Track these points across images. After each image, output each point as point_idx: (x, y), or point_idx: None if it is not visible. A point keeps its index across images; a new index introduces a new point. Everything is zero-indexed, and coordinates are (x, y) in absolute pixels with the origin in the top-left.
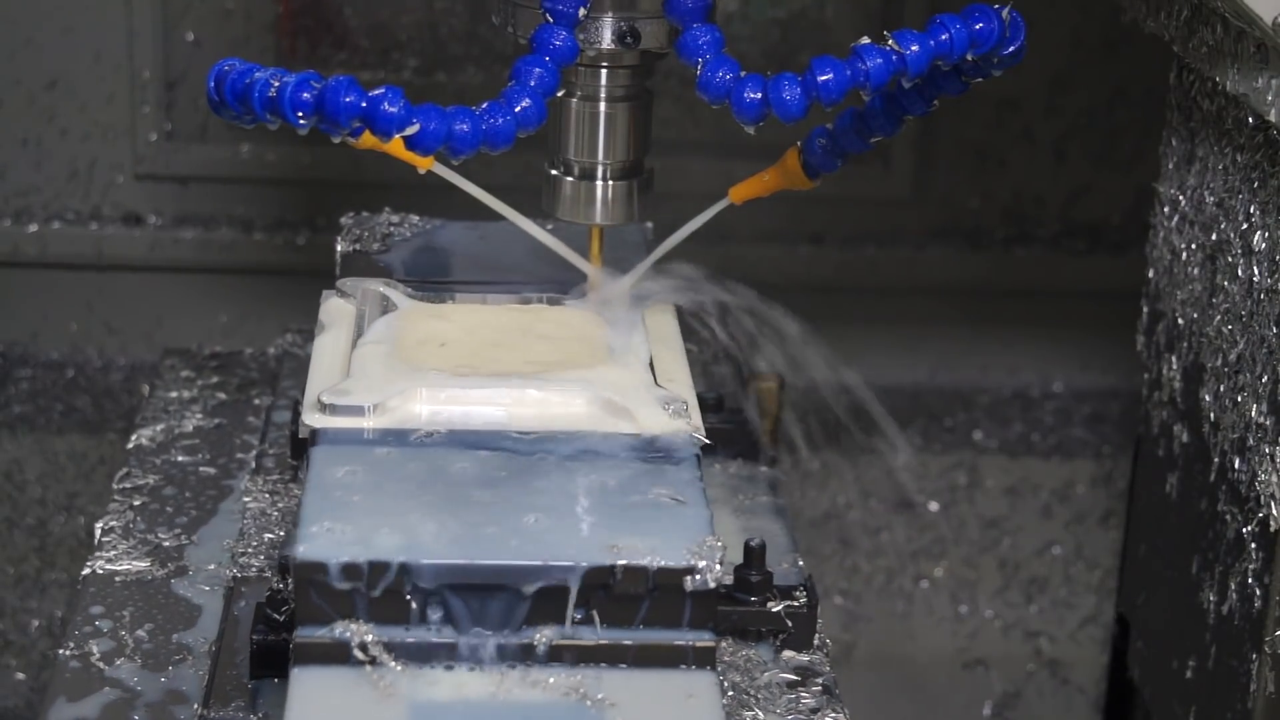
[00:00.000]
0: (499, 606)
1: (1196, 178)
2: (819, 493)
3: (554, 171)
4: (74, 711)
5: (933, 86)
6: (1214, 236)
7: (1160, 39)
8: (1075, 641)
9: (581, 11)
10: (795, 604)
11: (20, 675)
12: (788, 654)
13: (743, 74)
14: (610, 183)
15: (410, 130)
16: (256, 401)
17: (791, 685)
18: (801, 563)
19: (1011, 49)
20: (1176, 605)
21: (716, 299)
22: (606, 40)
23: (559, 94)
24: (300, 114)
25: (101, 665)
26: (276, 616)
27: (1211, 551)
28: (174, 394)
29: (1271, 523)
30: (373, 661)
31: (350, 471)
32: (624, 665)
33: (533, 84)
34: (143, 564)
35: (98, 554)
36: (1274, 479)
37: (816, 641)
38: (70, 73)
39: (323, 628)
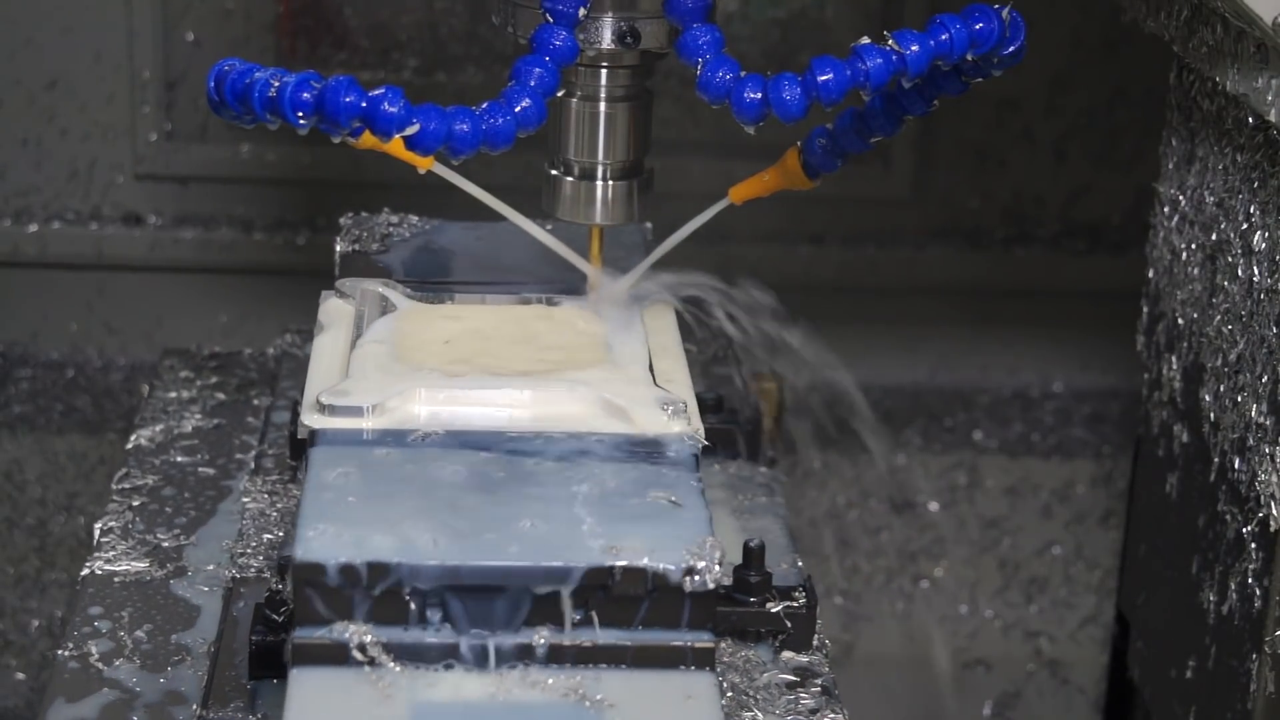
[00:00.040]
0: (498, 607)
1: (1196, 178)
2: (819, 493)
3: (554, 171)
4: (73, 712)
5: (933, 86)
6: (1214, 236)
7: (1160, 39)
8: (1075, 641)
9: (581, 11)
10: (794, 605)
11: (20, 675)
12: (787, 655)
13: (743, 74)
14: (610, 183)
15: (410, 130)
16: (255, 402)
17: (791, 686)
18: (801, 563)
19: (1011, 49)
20: (1176, 605)
21: (715, 299)
22: (606, 40)
23: (559, 94)
24: (300, 114)
25: (100, 666)
26: (275, 617)
27: (1211, 551)
28: (173, 394)
29: (1271, 523)
30: (371, 662)
31: (349, 472)
32: (623, 666)
33: (533, 84)
34: (141, 564)
35: (96, 554)
36: (1274, 479)
37: (816, 642)
38: (70, 73)
39: (321, 628)
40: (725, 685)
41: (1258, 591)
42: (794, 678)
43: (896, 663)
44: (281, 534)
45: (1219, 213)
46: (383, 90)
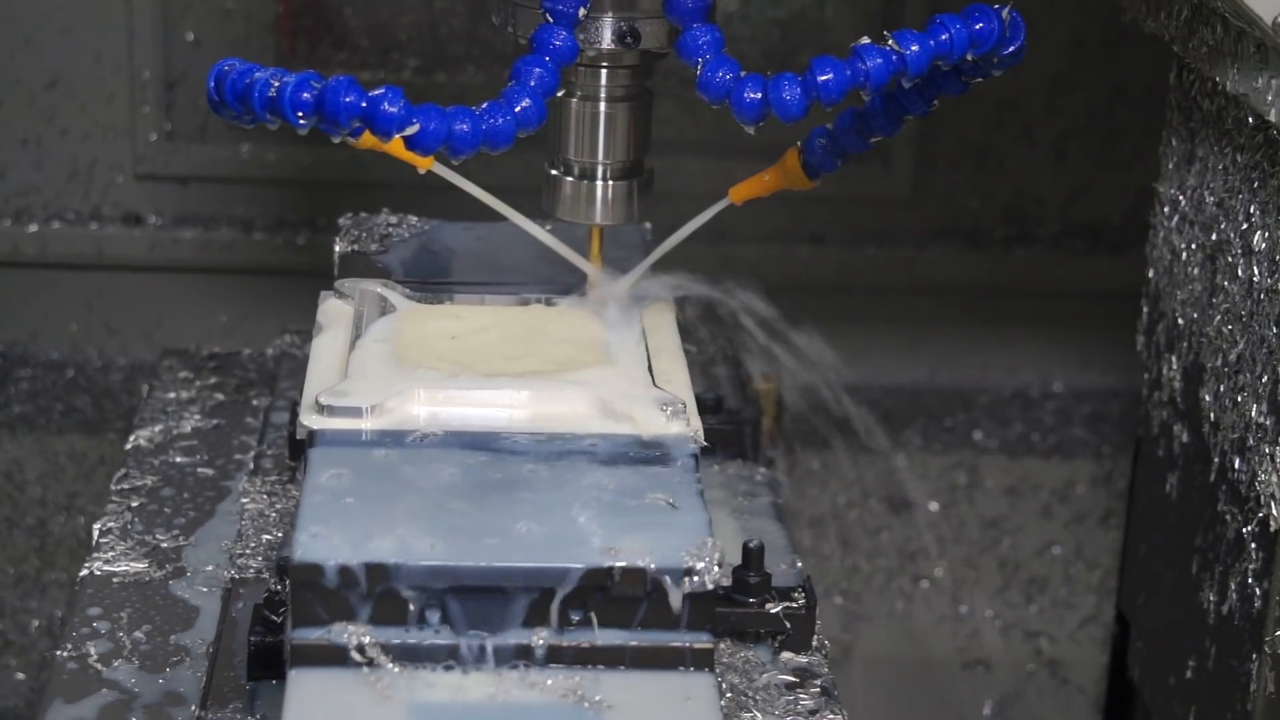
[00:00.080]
0: (496, 608)
1: (1196, 178)
2: (819, 493)
3: (554, 171)
4: (72, 713)
5: (933, 86)
6: (1214, 236)
7: (1160, 39)
8: (1075, 641)
9: (581, 11)
10: (794, 605)
11: (20, 675)
12: (786, 655)
13: (743, 74)
14: (610, 183)
15: (410, 130)
16: (255, 402)
17: (790, 687)
18: (800, 564)
19: (1011, 49)
20: (1176, 605)
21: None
22: (606, 40)
23: (559, 94)
24: (300, 114)
25: (99, 666)
26: (274, 618)
27: (1211, 551)
28: (172, 395)
29: (1271, 523)
30: (370, 663)
31: (347, 473)
32: (622, 667)
33: (533, 84)
34: (140, 565)
35: (95, 555)
36: (1274, 479)
37: (815, 643)
38: (70, 73)
39: (320, 629)
40: (724, 686)
41: (1258, 591)
42: (793, 678)
43: (896, 663)
44: (280, 535)
45: (1219, 213)
46: (383, 90)
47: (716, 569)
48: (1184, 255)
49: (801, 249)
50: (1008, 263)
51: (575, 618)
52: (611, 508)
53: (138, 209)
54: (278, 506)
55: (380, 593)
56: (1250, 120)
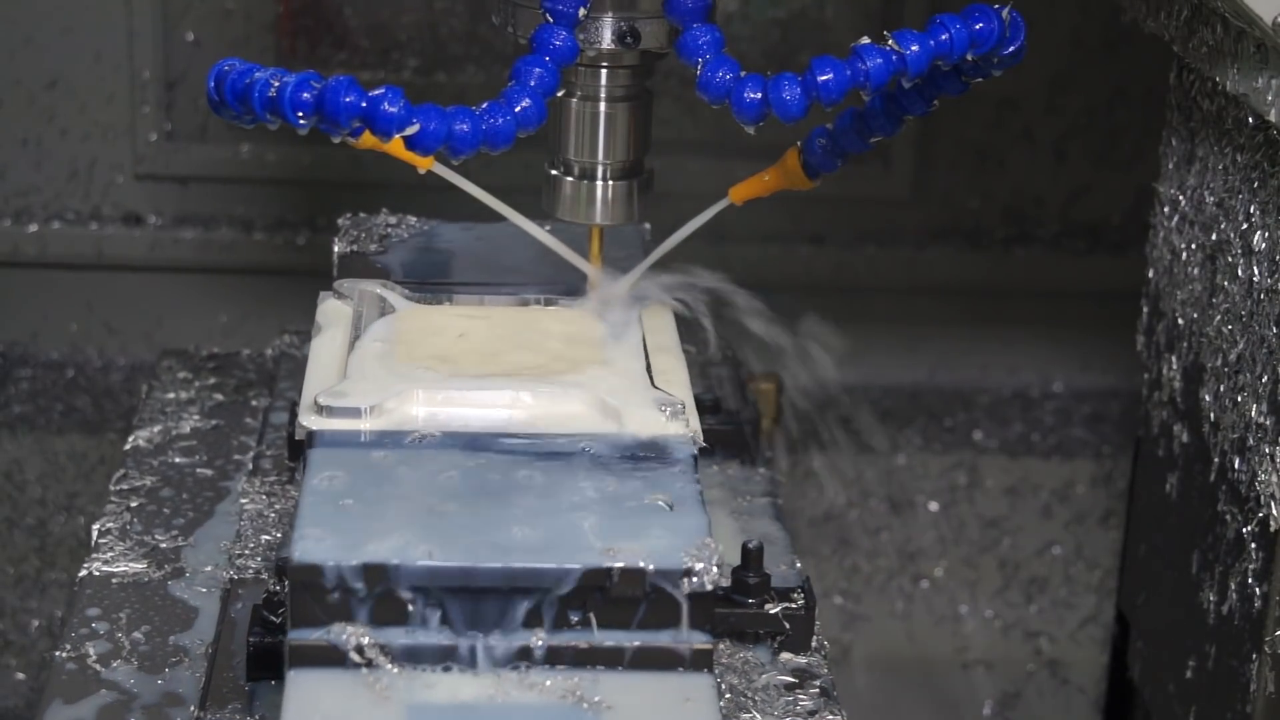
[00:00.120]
0: (495, 609)
1: (1196, 178)
2: (819, 493)
3: (554, 171)
4: (70, 714)
5: (933, 86)
6: (1214, 236)
7: (1160, 39)
8: (1075, 641)
9: (581, 11)
10: (793, 606)
11: (20, 675)
12: (785, 656)
13: (743, 74)
14: (610, 183)
15: (410, 130)
16: (254, 403)
17: (789, 687)
18: (799, 564)
19: (1011, 49)
20: (1176, 605)
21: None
22: (606, 40)
23: (559, 94)
24: (300, 114)
25: (98, 667)
26: (273, 619)
27: (1211, 551)
28: (171, 395)
29: (1271, 523)
30: (369, 664)
31: (346, 474)
32: (621, 668)
33: (533, 84)
34: (139, 566)
35: (94, 555)
36: (1274, 479)
37: (814, 643)
38: (70, 73)
39: (319, 630)
40: (723, 687)
41: (1258, 591)
42: (792, 679)
43: (896, 663)
44: (279, 535)
45: (1219, 213)
46: (383, 90)
47: (715, 570)
48: (1184, 255)
49: (801, 249)
50: (1008, 263)
51: (574, 618)
52: (610, 508)
53: (138, 209)
54: (277, 507)
55: (379, 593)
56: (1250, 120)
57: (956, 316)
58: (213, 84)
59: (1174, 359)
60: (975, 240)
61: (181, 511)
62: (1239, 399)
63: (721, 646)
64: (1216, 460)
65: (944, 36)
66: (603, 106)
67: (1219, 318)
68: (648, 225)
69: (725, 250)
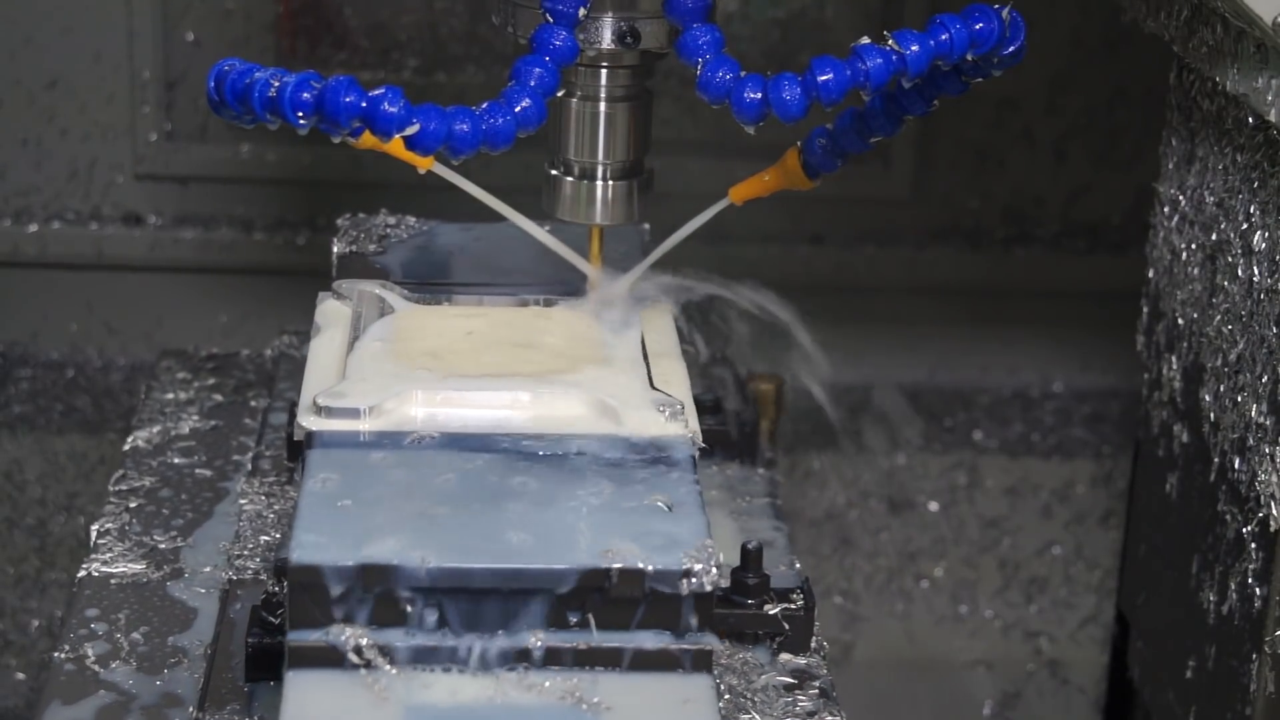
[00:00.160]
0: (494, 610)
1: (1196, 178)
2: (819, 493)
3: (554, 171)
4: (69, 714)
5: (933, 86)
6: (1214, 236)
7: (1160, 39)
8: (1075, 641)
9: (581, 11)
10: (792, 607)
11: (20, 675)
12: (785, 657)
13: (743, 74)
14: (610, 183)
15: (410, 130)
16: (253, 403)
17: (788, 688)
18: (799, 565)
19: (1011, 49)
20: (1176, 605)
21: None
22: (606, 40)
23: (559, 94)
24: (300, 114)
25: (97, 668)
26: (272, 619)
27: (1211, 551)
28: (170, 396)
29: (1271, 523)
30: (368, 665)
31: (345, 474)
32: (620, 669)
33: (533, 84)
34: (138, 566)
35: (93, 556)
36: (1274, 479)
37: (814, 644)
38: (70, 73)
39: (317, 631)
40: (723, 688)
41: (1258, 591)
42: (792, 680)
43: (896, 663)
44: (278, 536)
45: (1219, 213)
46: (383, 90)
47: (715, 570)
48: (1184, 255)
49: (801, 249)
50: (1008, 263)
51: (573, 619)
52: (609, 509)
53: (138, 209)
54: (276, 508)
55: (378, 594)
56: (1250, 120)
57: (956, 316)
58: (213, 84)
59: (1174, 359)
60: (975, 240)
61: (180, 512)
62: (1239, 399)
63: (721, 647)
64: (1216, 460)
65: (944, 36)
66: (603, 106)
67: (1219, 318)
68: (647, 225)
69: (725, 250)
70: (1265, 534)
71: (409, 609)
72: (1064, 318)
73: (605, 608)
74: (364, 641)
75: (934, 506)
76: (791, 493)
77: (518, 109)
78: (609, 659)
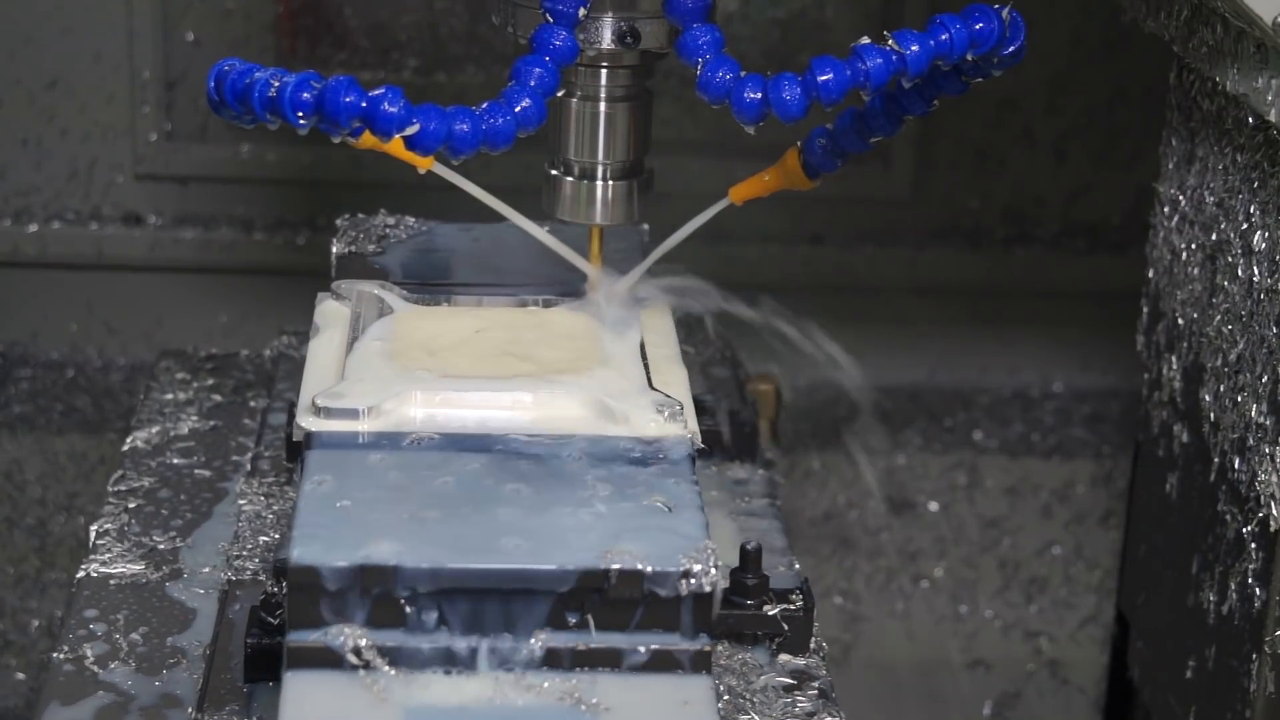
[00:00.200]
0: (493, 610)
1: (1196, 178)
2: (819, 493)
3: (554, 171)
4: (68, 715)
5: (933, 86)
6: (1214, 236)
7: (1160, 39)
8: (1075, 641)
9: (581, 11)
10: (791, 607)
11: (20, 675)
12: (784, 658)
13: (743, 74)
14: (610, 183)
15: (410, 130)
16: (252, 404)
17: (788, 689)
18: (798, 565)
19: (1011, 49)
20: (1176, 605)
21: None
22: (606, 40)
23: (559, 94)
24: (300, 114)
25: (95, 669)
26: (271, 620)
27: (1211, 552)
28: (169, 396)
29: (1271, 523)
30: (366, 666)
31: (344, 475)
32: (619, 670)
33: (533, 84)
34: (137, 567)
35: (92, 557)
36: (1274, 479)
37: (813, 645)
38: (70, 73)
39: (316, 632)
40: (722, 688)
41: (1258, 591)
42: (791, 680)
43: (896, 663)
44: (277, 536)
45: (1219, 213)
46: (383, 90)
47: (714, 571)
48: (1184, 255)
49: (801, 249)
50: (1008, 263)
51: (572, 620)
52: (609, 510)
53: (138, 209)
54: (275, 508)
55: (377, 595)
56: (1250, 120)
57: (956, 316)
58: (213, 84)
59: (1174, 359)
60: (975, 240)
61: (179, 513)
62: (1239, 399)
63: (720, 648)
64: (1216, 460)
65: (944, 36)
66: (603, 106)
67: (1219, 318)
68: (646, 225)
69: (725, 250)
70: (1265, 534)
71: (408, 610)
72: (1064, 318)
73: (604, 608)
74: (363, 642)
75: (934, 506)
76: (791, 493)
77: (518, 109)
78: (608, 660)
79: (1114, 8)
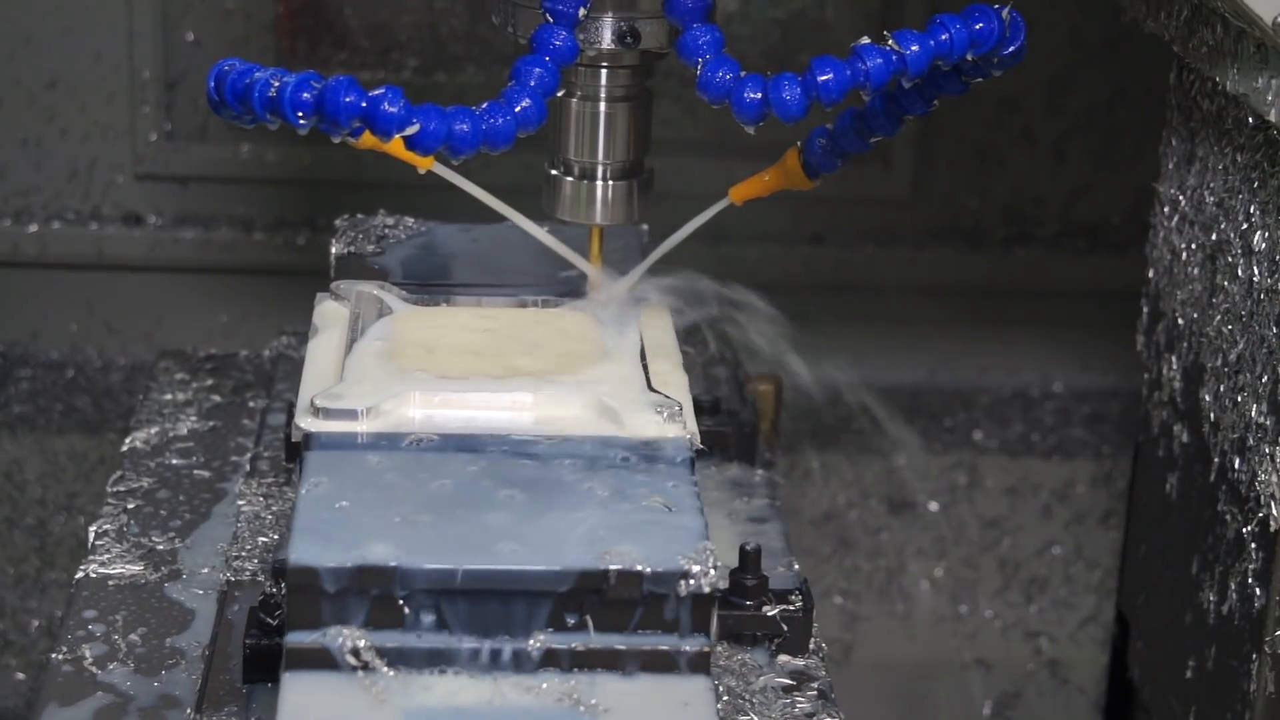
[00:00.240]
0: (492, 611)
1: (1196, 178)
2: (819, 493)
3: (554, 171)
4: (66, 716)
5: (933, 86)
6: (1214, 236)
7: (1160, 39)
8: (1075, 641)
9: (581, 11)
10: (791, 608)
11: (20, 675)
12: (783, 658)
13: (743, 74)
14: (610, 183)
15: (410, 130)
16: (251, 404)
17: (787, 690)
18: (797, 566)
19: (1011, 49)
20: (1176, 605)
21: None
22: (606, 40)
23: (559, 94)
24: (300, 114)
25: (94, 669)
26: (270, 621)
27: (1211, 552)
28: (168, 396)
29: (1271, 523)
30: (365, 667)
31: (342, 476)
32: (618, 671)
33: (533, 84)
34: (136, 567)
35: (91, 557)
36: (1274, 479)
37: (812, 645)
38: (70, 73)
39: (315, 632)
40: (721, 689)
41: (1258, 591)
42: (790, 681)
43: (896, 663)
44: (276, 537)
45: (1219, 213)
46: (383, 90)
47: (713, 572)
48: (1184, 255)
49: (801, 249)
50: (1008, 263)
51: (571, 621)
52: (608, 511)
53: (138, 209)
54: (274, 509)
55: (376, 596)
56: (1250, 120)
57: (956, 316)
58: (213, 84)
59: (1174, 359)
60: (975, 240)
61: (178, 513)
62: (1239, 399)
63: (719, 649)
64: (1216, 460)
65: (944, 36)
66: (603, 106)
67: (1219, 318)
68: (645, 226)
69: (725, 250)
70: (1265, 534)
71: (407, 611)
72: (1064, 318)
73: (603, 609)
74: (361, 643)
75: (934, 506)
76: (791, 493)
77: (518, 109)
78: (607, 661)
79: (1114, 8)
